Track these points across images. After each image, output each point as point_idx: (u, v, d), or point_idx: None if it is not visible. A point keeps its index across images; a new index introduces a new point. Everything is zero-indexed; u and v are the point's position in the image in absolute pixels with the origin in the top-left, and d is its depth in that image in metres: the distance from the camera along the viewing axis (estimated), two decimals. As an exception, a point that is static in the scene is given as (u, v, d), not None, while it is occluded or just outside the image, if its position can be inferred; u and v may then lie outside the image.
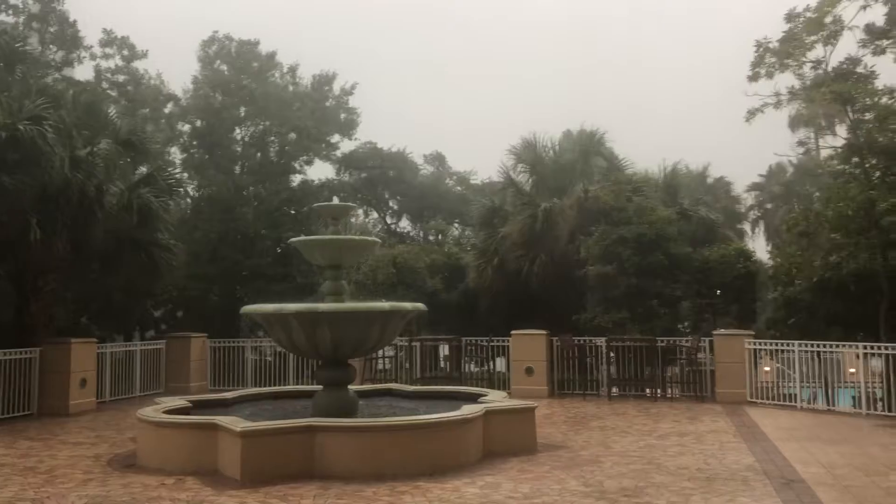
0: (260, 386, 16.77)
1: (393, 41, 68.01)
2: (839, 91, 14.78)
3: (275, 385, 16.63)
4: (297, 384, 16.02)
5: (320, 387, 10.35)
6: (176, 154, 23.97)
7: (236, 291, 21.19)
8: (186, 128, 24.06)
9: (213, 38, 24.47)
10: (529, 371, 15.96)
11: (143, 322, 20.86)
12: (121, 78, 22.43)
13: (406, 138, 54.52)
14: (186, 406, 10.33)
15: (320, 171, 26.98)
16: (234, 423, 8.43)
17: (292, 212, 23.34)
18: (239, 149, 23.99)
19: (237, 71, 23.85)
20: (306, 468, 8.21)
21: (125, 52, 22.59)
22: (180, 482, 8.06)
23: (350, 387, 10.46)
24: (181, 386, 16.70)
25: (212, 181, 22.57)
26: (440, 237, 26.73)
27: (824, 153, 19.38)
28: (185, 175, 23.14)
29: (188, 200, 22.85)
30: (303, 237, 11.24)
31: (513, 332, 16.39)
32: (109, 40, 22.46)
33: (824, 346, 14.02)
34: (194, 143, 23.66)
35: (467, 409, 9.33)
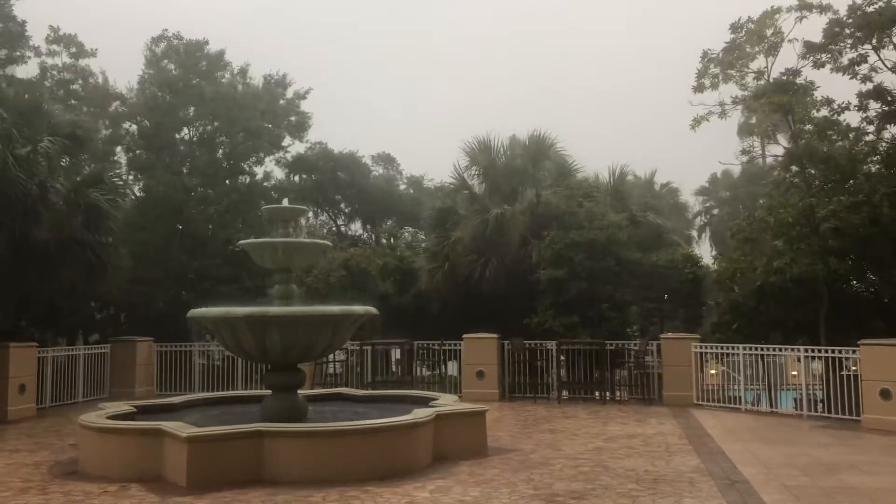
0: (208, 391, 16.53)
1: (346, 43, 67.73)
2: (780, 102, 15.20)
3: (223, 390, 16.40)
4: (247, 389, 15.81)
5: (269, 392, 10.23)
6: (122, 154, 23.53)
7: (183, 294, 20.82)
8: (133, 128, 23.59)
9: (162, 36, 24.07)
10: (481, 375, 16.01)
11: (87, 325, 20.36)
12: (67, 76, 21.90)
13: (357, 140, 54.42)
14: (131, 411, 10.12)
15: (271, 172, 26.71)
16: (180, 428, 8.28)
17: (241, 214, 23.05)
18: (187, 149, 23.61)
19: (185, 70, 23.49)
20: (254, 474, 8.10)
21: (73, 50, 22.08)
22: (124, 489, 7.88)
23: (300, 391, 10.36)
24: (126, 391, 16.35)
25: (158, 182, 22.16)
26: (392, 240, 26.67)
27: (768, 161, 19.88)
28: (131, 176, 22.72)
29: (133, 199, 22.36)
30: (252, 240, 11.10)
31: (464, 335, 16.43)
32: (56, 38, 21.93)
33: (767, 349, 14.38)
34: (141, 143, 23.21)
35: (418, 414, 9.32)
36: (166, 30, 24.12)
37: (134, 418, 9.81)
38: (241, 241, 10.69)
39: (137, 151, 23.34)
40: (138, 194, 22.82)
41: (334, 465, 8.22)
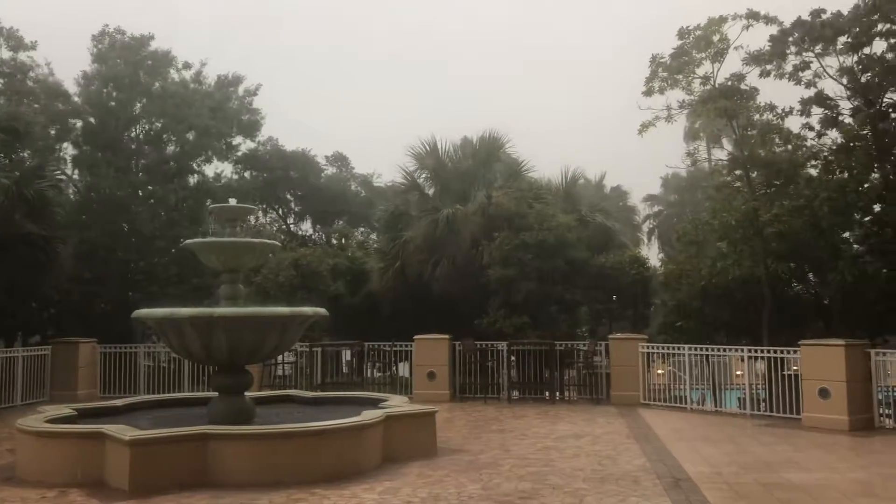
0: (154, 393, 16.22)
1: (299, 45, 67.12)
2: (724, 107, 15.52)
3: (170, 392, 16.09)
4: (193, 391, 15.55)
5: (216, 394, 10.08)
6: (68, 151, 22.96)
7: (130, 295, 20.36)
8: (79, 124, 23.01)
9: (104, 32, 23.51)
10: (431, 375, 16.02)
11: (28, 326, 19.77)
12: (6, 70, 21.25)
13: (309, 140, 53.99)
14: (72, 415, 9.86)
15: (221, 171, 26.30)
16: (123, 431, 8.10)
17: (190, 213, 22.66)
18: (134, 147, 23.12)
19: (132, 67, 22.99)
20: (199, 477, 7.97)
21: (12, 43, 21.43)
22: (63, 495, 7.68)
23: (247, 393, 10.23)
24: (68, 394, 15.92)
25: (103, 179, 21.64)
26: (343, 241, 26.48)
27: (713, 165, 20.29)
28: (76, 173, 22.17)
29: (76, 197, 21.79)
30: (198, 239, 10.92)
31: (416, 336, 16.42)
32: (-7, 32, 21.24)
33: (712, 349, 14.68)
34: (86, 140, 22.65)
35: (367, 415, 9.28)
36: (107, 25, 23.60)
37: (75, 422, 9.56)
38: (188, 241, 10.50)
39: (84, 148, 22.77)
40: (82, 192, 22.23)
41: (282, 467, 8.14)
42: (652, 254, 35.83)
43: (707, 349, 14.65)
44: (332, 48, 71.03)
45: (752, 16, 16.08)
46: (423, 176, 21.05)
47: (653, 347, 15.50)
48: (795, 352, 12.82)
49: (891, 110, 14.82)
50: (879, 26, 14.73)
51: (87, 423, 9.41)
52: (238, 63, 44.82)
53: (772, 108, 15.93)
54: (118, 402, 11.22)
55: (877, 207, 15.56)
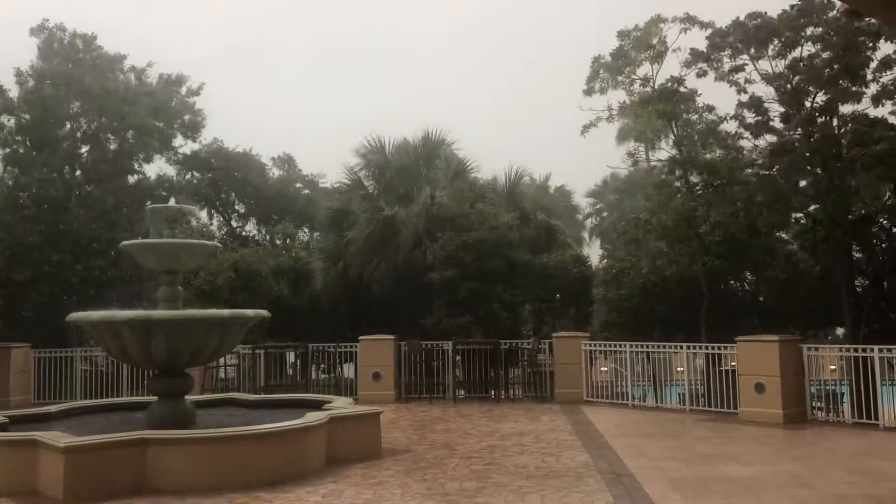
0: (91, 398, 15.77)
1: (242, 42, 66.16)
2: (664, 109, 15.85)
3: (108, 397, 15.70)
4: (133, 395, 15.20)
5: (155, 398, 9.88)
6: (-1, 150, 22.18)
7: (65, 299, 19.76)
8: (11, 121, 22.26)
9: (42, 26, 22.84)
10: (377, 376, 15.96)
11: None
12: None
13: (254, 139, 53.20)
14: (3, 422, 9.54)
15: (161, 171, 25.75)
16: (57, 438, 7.89)
17: (130, 213, 22.12)
18: (71, 146, 22.48)
19: (71, 64, 22.36)
20: (138, 484, 7.83)
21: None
22: (-7, 505, 7.45)
23: (188, 397, 10.05)
24: (0, 400, 15.43)
25: (38, 178, 20.98)
26: (288, 241, 26.16)
27: (653, 165, 20.73)
28: (5, 172, 21.45)
29: (4, 196, 21.06)
30: (135, 241, 10.70)
31: (361, 337, 16.35)
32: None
33: (652, 346, 14.96)
34: (18, 138, 21.94)
35: (310, 417, 9.21)
36: (47, 20, 22.92)
37: (7, 429, 9.26)
38: (125, 242, 10.26)
39: (14, 146, 22.04)
40: (11, 191, 21.47)
41: (223, 471, 8.03)
42: (594, 252, 36.33)
43: (647, 346, 14.93)
44: (280, 48, 70.24)
45: (689, 20, 16.49)
46: (368, 174, 20.96)
47: (595, 345, 15.72)
48: (732, 347, 13.15)
49: (817, 114, 15.29)
50: (809, 30, 15.21)
51: (19, 429, 9.13)
52: (180, 63, 44.01)
53: (710, 109, 16.33)
54: (53, 408, 10.88)
55: (811, 207, 16.08)
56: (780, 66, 15.66)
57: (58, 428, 9.05)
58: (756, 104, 15.80)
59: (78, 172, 22.14)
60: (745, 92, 15.86)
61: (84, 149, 22.54)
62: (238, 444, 8.35)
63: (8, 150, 22.04)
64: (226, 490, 7.75)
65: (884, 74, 14.85)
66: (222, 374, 16.50)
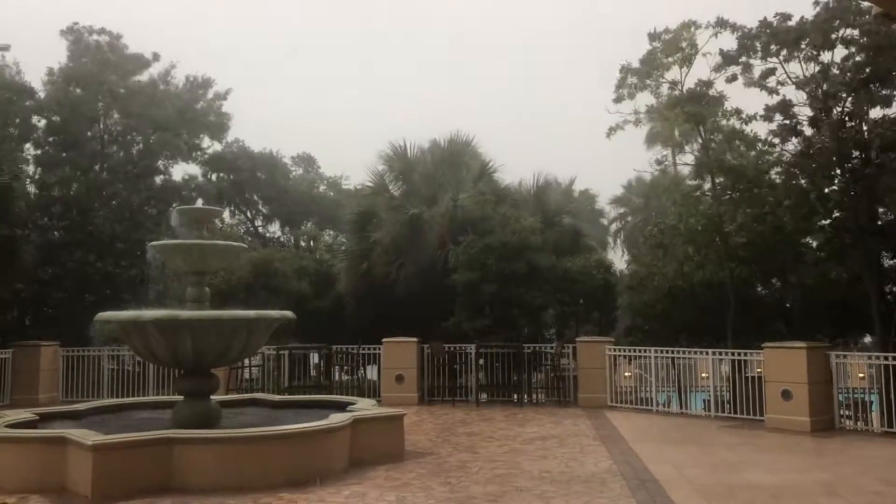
0: (118, 397, 15.94)
1: (267, 45, 66.60)
2: (692, 112, 15.72)
3: (134, 396, 15.87)
4: (159, 395, 15.35)
5: (181, 397, 9.96)
6: (30, 151, 22.52)
7: (86, 295, 19.98)
8: (42, 123, 22.62)
9: (72, 28, 23.18)
10: (400, 379, 15.99)
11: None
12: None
13: (277, 140, 53.63)
14: (33, 419, 9.68)
15: (187, 172, 26.03)
16: (85, 436, 7.97)
17: (156, 214, 22.37)
18: (99, 146, 22.79)
19: (99, 65, 22.68)
20: (164, 482, 7.88)
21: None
22: (23, 501, 7.53)
23: (213, 397, 10.12)
24: (29, 398, 15.65)
25: (65, 178, 21.29)
26: (312, 243, 26.33)
27: (680, 170, 20.58)
28: (38, 172, 21.77)
29: (36, 195, 21.36)
30: (163, 241, 10.79)
31: (384, 339, 16.37)
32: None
33: (677, 351, 14.83)
34: (50, 139, 22.28)
35: (334, 419, 9.23)
36: (76, 22, 23.28)
37: (36, 426, 9.39)
38: (152, 243, 10.36)
39: (46, 147, 22.40)
40: (42, 191, 21.80)
41: (247, 471, 8.06)
42: (618, 256, 36.13)
43: (672, 351, 14.81)
44: (306, 48, 70.62)
45: (721, 24, 16.34)
46: (392, 177, 21.04)
47: (619, 350, 15.62)
48: (758, 354, 13.01)
49: (847, 118, 15.09)
50: (841, 32, 15.01)
51: (48, 427, 9.25)
52: (207, 64, 44.55)
53: (738, 112, 16.17)
54: (81, 407, 11.02)
55: (837, 213, 15.87)
56: (811, 68, 15.47)
57: (86, 426, 9.15)
58: (784, 108, 15.63)
59: (105, 173, 22.40)
60: (777, 94, 15.68)
61: (111, 149, 22.83)
62: (262, 444, 8.39)
63: (40, 151, 22.39)
64: (250, 490, 7.78)
65: None
66: (247, 375, 16.62)
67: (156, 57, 24.05)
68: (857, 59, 14.83)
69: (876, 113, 15.12)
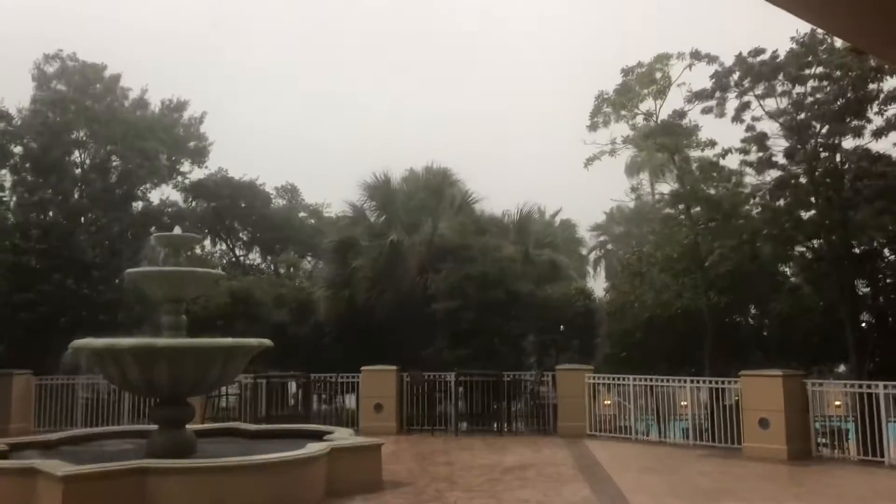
0: (92, 426, 15.71)
1: (246, 70, 66.70)
2: (665, 143, 15.95)
3: (109, 425, 15.62)
4: (134, 423, 15.12)
5: (156, 426, 9.84)
6: (6, 177, 22.38)
7: (61, 320, 19.76)
8: (19, 149, 22.50)
9: (55, 55, 23.19)
10: (378, 407, 15.87)
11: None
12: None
13: (259, 168, 53.54)
14: (3, 450, 9.50)
15: (168, 196, 25.94)
16: (56, 466, 7.84)
17: (135, 240, 22.26)
18: (79, 173, 22.70)
19: (79, 92, 22.66)
20: (137, 514, 7.76)
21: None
22: (-9, 534, 7.39)
23: (189, 426, 10.01)
24: (1, 428, 15.34)
25: (45, 203, 21.17)
26: (291, 270, 26.23)
27: (656, 198, 20.82)
28: (14, 199, 21.63)
29: (11, 222, 21.20)
30: (140, 268, 10.72)
31: (363, 367, 16.27)
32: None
33: (656, 379, 14.86)
34: (27, 165, 22.17)
35: (310, 448, 9.16)
36: (61, 50, 23.32)
37: (7, 457, 9.22)
38: (129, 270, 10.29)
39: (23, 174, 22.27)
40: (17, 217, 21.64)
41: (222, 501, 7.96)
42: (598, 284, 36.30)
43: (651, 379, 14.83)
44: (282, 77, 70.82)
45: (695, 55, 16.65)
46: (372, 206, 21.09)
47: (599, 378, 15.62)
48: (736, 382, 13.07)
49: (820, 149, 15.37)
50: (812, 69, 15.34)
51: (19, 457, 9.09)
52: (186, 89, 44.53)
53: (712, 144, 16.42)
54: (53, 436, 10.85)
55: (813, 242, 16.09)
56: (785, 101, 15.77)
57: (58, 456, 9.01)
58: (760, 140, 15.88)
59: (84, 199, 22.29)
60: (753, 130, 15.95)
61: (91, 175, 22.75)
62: (238, 474, 8.30)
63: (16, 176, 22.26)
64: (225, 521, 7.69)
65: (887, 108, 14.93)
66: (223, 404, 16.43)
67: (144, 94, 24.16)
68: (828, 90, 15.13)
69: (849, 143, 15.43)
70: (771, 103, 15.98)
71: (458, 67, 71.57)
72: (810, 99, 15.45)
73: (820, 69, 15.25)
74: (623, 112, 16.94)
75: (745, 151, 16.24)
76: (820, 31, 14.58)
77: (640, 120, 17.17)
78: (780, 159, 15.80)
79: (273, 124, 63.74)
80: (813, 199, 15.46)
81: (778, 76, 15.67)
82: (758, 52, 15.97)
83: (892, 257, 15.74)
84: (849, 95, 14.74)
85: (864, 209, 14.51)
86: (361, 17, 70.92)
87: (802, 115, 15.41)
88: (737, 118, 16.12)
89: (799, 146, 15.40)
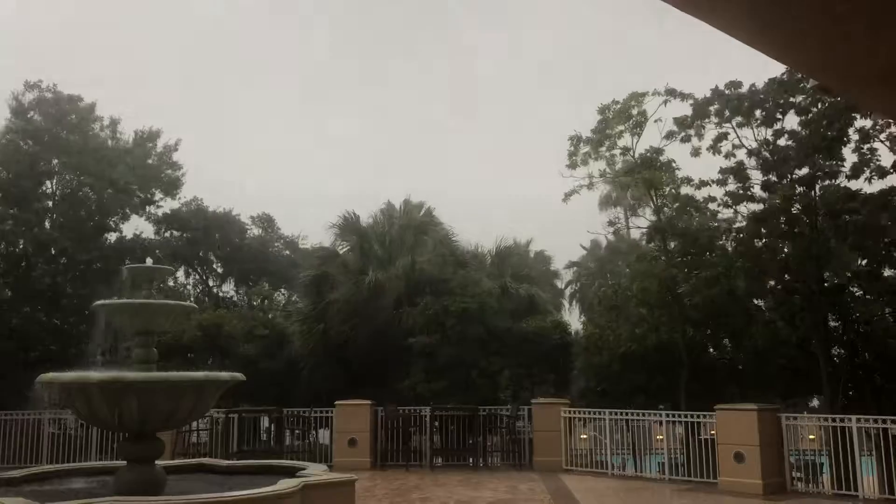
0: (59, 462, 15.35)
1: (222, 99, 66.73)
2: (646, 178, 16.11)
3: (76, 461, 15.27)
4: (102, 460, 14.78)
5: (125, 463, 9.59)
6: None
7: (31, 354, 19.37)
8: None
9: (34, 85, 23.05)
10: (353, 442, 15.68)
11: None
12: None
13: (234, 199, 53.36)
14: (-38, 488, 9.21)
15: (139, 229, 25.68)
16: (18, 505, 7.59)
17: (106, 272, 21.94)
18: (49, 203, 22.44)
19: (53, 122, 22.50)
20: (102, 554, 7.51)
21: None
22: (-52, 576, 7.12)
23: (159, 462, 9.77)
24: (-39, 464, 14.96)
25: (12, 234, 20.86)
26: (265, 302, 25.98)
27: (633, 233, 20.99)
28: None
29: None
30: (109, 300, 10.53)
31: (337, 402, 16.10)
32: None
33: (631, 414, 14.84)
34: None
35: (282, 485, 8.94)
36: (41, 80, 23.18)
37: (-34, 495, 8.92)
38: (97, 302, 10.10)
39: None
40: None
41: (191, 541, 7.75)
42: (573, 318, 36.33)
43: (627, 413, 14.81)
44: (261, 107, 70.87)
45: (670, 92, 16.92)
46: (346, 244, 21.10)
47: (575, 412, 15.57)
48: (711, 416, 13.08)
49: (797, 185, 15.59)
50: (791, 99, 15.64)
51: (-21, 496, 8.81)
52: (161, 118, 44.35)
53: (688, 180, 16.63)
54: (16, 473, 10.53)
55: (787, 277, 16.24)
56: (763, 133, 16.04)
57: (21, 494, 8.73)
58: (738, 172, 16.08)
59: (55, 230, 22.01)
60: (733, 156, 16.18)
61: (62, 206, 22.50)
62: (207, 512, 8.08)
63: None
64: (193, 561, 7.48)
65: (862, 147, 15.21)
66: (194, 439, 16.14)
67: (114, 123, 24.03)
68: (805, 132, 15.41)
69: (825, 182, 15.65)
70: (748, 134, 16.25)
71: (429, 99, 72.12)
72: (787, 135, 15.74)
73: (797, 100, 15.56)
74: (601, 149, 17.15)
75: (722, 182, 16.42)
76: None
77: (618, 156, 17.38)
78: (758, 192, 16.00)
79: (249, 154, 63.74)
80: (790, 231, 15.62)
81: (755, 111, 15.96)
82: (734, 84, 16.26)
83: (861, 293, 15.92)
84: (824, 136, 15.00)
85: (836, 245, 14.70)
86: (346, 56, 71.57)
87: (777, 154, 15.64)
88: (714, 149, 16.35)
89: (776, 179, 15.60)
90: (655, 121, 17.37)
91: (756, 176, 16.05)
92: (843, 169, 15.27)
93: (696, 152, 16.56)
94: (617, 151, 17.48)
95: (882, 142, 15.20)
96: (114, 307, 9.95)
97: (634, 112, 17.09)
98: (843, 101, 14.18)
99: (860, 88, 3.89)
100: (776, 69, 15.45)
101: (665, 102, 17.15)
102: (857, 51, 3.15)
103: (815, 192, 15.56)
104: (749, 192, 16.09)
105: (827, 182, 15.38)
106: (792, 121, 15.88)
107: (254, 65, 70.35)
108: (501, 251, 22.37)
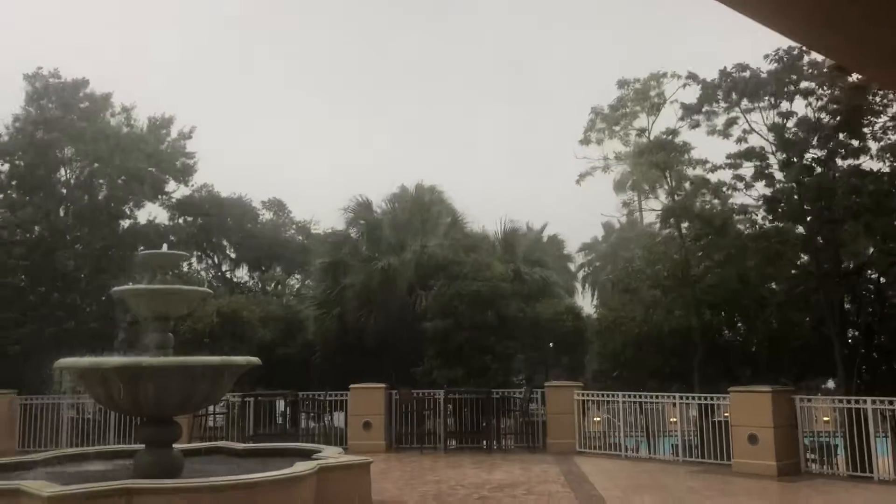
0: (78, 446, 15.51)
1: (232, 83, 66.67)
2: (659, 160, 16.03)
3: (95, 444, 15.42)
4: (120, 443, 14.96)
5: (143, 446, 9.72)
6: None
7: (45, 341, 19.58)
8: (5, 167, 22.40)
9: (38, 74, 23.14)
10: (367, 425, 15.78)
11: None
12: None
13: (246, 184, 53.50)
14: (-15, 470, 9.38)
15: (153, 215, 25.84)
16: (41, 487, 7.71)
17: (122, 258, 22.12)
18: (65, 190, 22.60)
19: (64, 109, 22.61)
20: (122, 535, 7.63)
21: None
22: (-27, 557, 7.27)
23: (176, 445, 9.89)
24: (-17, 448, 15.18)
25: (28, 221, 21.04)
26: (279, 287, 26.11)
27: (647, 216, 20.95)
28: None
29: None
30: (126, 287, 10.64)
31: (351, 385, 16.19)
32: None
33: (645, 396, 14.86)
34: (13, 182, 22.05)
35: (298, 467, 9.06)
36: (41, 67, 23.26)
37: (-11, 478, 9.08)
38: (116, 288, 10.20)
39: (8, 192, 22.15)
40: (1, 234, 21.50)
41: (209, 522, 7.85)
42: (587, 301, 36.30)
43: (640, 396, 14.83)
44: (273, 90, 70.85)
45: (691, 77, 16.79)
46: (359, 229, 21.15)
47: (588, 395, 15.61)
48: (725, 398, 13.07)
49: (814, 164, 15.47)
50: (795, 86, 15.48)
51: (3, 478, 8.95)
52: (174, 105, 44.47)
53: (703, 162, 16.54)
54: (37, 456, 10.70)
55: (802, 258, 16.17)
56: (771, 117, 15.91)
57: (42, 477, 8.87)
58: (750, 155, 15.96)
59: (70, 217, 22.18)
60: (744, 141, 16.06)
61: (76, 193, 22.65)
62: (225, 493, 8.18)
63: (2, 195, 22.14)
64: (212, 542, 7.59)
65: (886, 134, 15.01)
66: (211, 423, 16.29)
67: (127, 110, 24.12)
68: (819, 111, 15.26)
69: (843, 161, 15.52)
70: (757, 118, 16.13)
71: (443, 80, 71.83)
72: (796, 117, 15.59)
73: (805, 84, 15.40)
74: (616, 128, 17.08)
75: (735, 166, 16.33)
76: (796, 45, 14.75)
77: (633, 136, 17.31)
78: (775, 171, 15.89)
79: (260, 138, 63.85)
80: (805, 215, 15.52)
81: (762, 91, 15.82)
82: (742, 67, 16.12)
83: (875, 275, 15.82)
84: (839, 113, 14.84)
85: (851, 225, 14.60)
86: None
87: (794, 131, 15.51)
88: (725, 134, 16.25)
89: (794, 159, 15.48)
90: (671, 102, 17.29)
91: (769, 159, 15.93)
92: (870, 149, 15.07)
93: (712, 130, 16.43)
94: (633, 132, 17.41)
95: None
96: (129, 293, 10.05)
97: (653, 94, 16.99)
98: (857, 81, 14.05)
99: (878, 67, 3.87)
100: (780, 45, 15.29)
101: (684, 86, 17.07)
102: (880, 32, 3.13)
103: (832, 173, 15.42)
104: (766, 171, 15.96)
105: (849, 161, 15.21)
106: (799, 105, 15.74)
107: (264, 47, 70.36)
108: (508, 233, 22.36)
